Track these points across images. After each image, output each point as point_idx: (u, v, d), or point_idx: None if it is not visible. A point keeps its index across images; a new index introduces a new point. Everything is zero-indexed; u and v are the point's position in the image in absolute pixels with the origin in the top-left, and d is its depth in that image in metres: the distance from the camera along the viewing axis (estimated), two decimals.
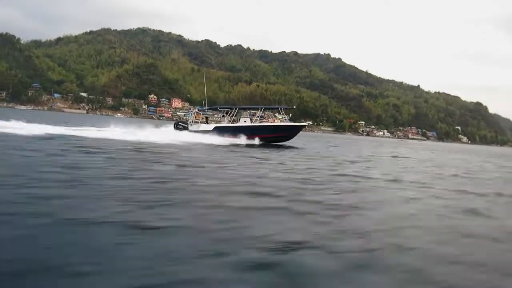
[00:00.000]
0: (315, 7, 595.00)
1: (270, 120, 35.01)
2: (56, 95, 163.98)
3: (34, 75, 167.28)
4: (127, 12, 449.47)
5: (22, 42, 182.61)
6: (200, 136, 27.05)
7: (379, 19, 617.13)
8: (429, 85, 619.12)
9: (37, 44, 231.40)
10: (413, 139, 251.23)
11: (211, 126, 30.57)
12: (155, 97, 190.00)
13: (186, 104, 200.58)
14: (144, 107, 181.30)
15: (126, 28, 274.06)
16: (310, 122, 44.98)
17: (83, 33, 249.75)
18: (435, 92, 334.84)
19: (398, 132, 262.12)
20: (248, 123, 31.12)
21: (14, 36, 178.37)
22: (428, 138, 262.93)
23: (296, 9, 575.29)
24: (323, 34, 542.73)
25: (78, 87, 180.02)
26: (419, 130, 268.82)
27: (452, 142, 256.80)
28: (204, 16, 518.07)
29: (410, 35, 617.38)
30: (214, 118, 38.57)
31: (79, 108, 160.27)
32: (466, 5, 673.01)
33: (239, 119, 31.57)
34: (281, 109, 35.32)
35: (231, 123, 31.04)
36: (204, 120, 32.76)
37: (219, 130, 29.52)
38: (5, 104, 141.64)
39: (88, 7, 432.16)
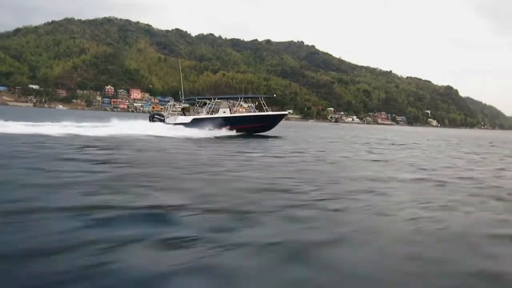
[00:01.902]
0: None
1: (238, 110, 32.67)
2: (2, 87, 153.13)
3: None
4: (94, 1, 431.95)
5: None
6: (178, 129, 25.35)
7: (353, 6, 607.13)
8: (402, 71, 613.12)
9: None
10: (382, 124, 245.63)
11: (189, 118, 28.32)
12: (112, 88, 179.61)
13: (146, 95, 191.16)
14: (98, 98, 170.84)
15: (91, 18, 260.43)
16: (291, 111, 40.02)
17: (44, 24, 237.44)
18: (407, 77, 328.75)
19: (368, 118, 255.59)
20: (228, 114, 29.23)
21: None
22: (397, 122, 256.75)
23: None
24: (297, 22, 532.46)
25: (30, 79, 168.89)
26: (389, 115, 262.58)
27: (422, 126, 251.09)
28: (176, 5, 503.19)
29: (384, 21, 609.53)
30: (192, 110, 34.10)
31: (26, 101, 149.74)
32: None
33: (218, 109, 29.55)
34: (261, 98, 32.54)
35: (210, 114, 29.05)
36: (182, 112, 30.76)
37: (198, 122, 27.44)
38: None
39: None
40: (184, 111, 30.81)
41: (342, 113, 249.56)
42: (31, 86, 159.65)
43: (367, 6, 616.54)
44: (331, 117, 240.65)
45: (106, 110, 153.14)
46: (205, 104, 30.42)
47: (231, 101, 33.65)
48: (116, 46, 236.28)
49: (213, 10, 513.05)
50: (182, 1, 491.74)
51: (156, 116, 30.29)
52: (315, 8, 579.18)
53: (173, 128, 25.78)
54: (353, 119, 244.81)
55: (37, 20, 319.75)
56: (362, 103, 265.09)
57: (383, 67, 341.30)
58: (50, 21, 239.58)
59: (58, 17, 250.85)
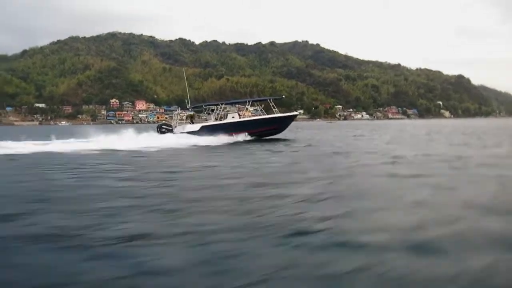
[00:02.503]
0: None
1: (245, 114, 32.05)
2: (8, 108, 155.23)
3: None
4: (99, 18, 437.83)
5: None
6: (187, 137, 24.83)
7: (356, 0, 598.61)
8: (411, 62, 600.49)
9: (2, 58, 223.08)
10: (393, 118, 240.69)
11: (197, 126, 27.77)
12: (117, 101, 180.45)
13: (152, 105, 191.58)
14: (103, 112, 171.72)
15: (95, 34, 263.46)
16: (302, 111, 38.72)
17: (49, 44, 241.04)
18: (417, 69, 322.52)
19: (378, 113, 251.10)
20: (237, 119, 28.55)
21: None
22: (408, 116, 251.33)
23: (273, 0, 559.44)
24: (300, 22, 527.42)
25: (36, 98, 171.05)
26: (399, 109, 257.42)
27: (434, 118, 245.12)
28: (179, 15, 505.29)
29: (389, 13, 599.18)
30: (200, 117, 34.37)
31: (32, 120, 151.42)
32: None
33: (226, 115, 28.89)
34: (270, 100, 31.29)
35: (219, 120, 28.40)
36: (189, 120, 29.85)
37: (207, 129, 26.89)
38: None
39: (60, 17, 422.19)
40: (190, 119, 30.06)
41: (351, 110, 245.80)
42: (37, 105, 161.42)
43: (371, 0, 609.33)
44: (339, 115, 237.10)
45: (111, 123, 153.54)
46: (212, 110, 29.65)
47: (238, 105, 33.02)
48: (120, 60, 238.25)
49: (215, 17, 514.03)
50: (185, 11, 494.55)
51: (164, 126, 29.34)
52: (318, 6, 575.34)
53: (183, 137, 25.27)
54: (362, 116, 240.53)
55: (44, 40, 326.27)
56: (371, 99, 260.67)
57: (391, 61, 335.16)
58: (56, 40, 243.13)
59: (63, 36, 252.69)
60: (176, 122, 29.56)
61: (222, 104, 29.93)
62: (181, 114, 31.49)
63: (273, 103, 30.30)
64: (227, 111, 29.45)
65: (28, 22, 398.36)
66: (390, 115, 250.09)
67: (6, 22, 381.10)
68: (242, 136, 26.85)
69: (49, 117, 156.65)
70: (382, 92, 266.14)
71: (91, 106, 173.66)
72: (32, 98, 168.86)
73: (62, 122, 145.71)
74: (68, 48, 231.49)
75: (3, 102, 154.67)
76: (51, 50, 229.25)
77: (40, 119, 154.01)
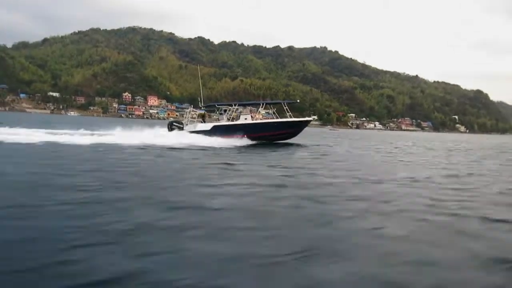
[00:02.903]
0: (313, 1, 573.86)
1: (257, 116, 30.73)
2: (22, 95, 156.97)
3: (4, 75, 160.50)
4: (122, 12, 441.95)
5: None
6: (197, 137, 24.01)
7: (377, 10, 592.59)
8: (429, 75, 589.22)
9: (23, 45, 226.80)
10: (406, 130, 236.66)
11: (209, 125, 26.80)
12: (129, 95, 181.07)
13: (163, 102, 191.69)
14: (114, 105, 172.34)
15: (116, 27, 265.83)
16: (316, 117, 37.38)
17: (71, 33, 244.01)
18: (434, 82, 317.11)
19: (391, 124, 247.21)
20: (249, 121, 27.59)
21: None
22: (423, 128, 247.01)
23: (295, 4, 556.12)
24: (320, 28, 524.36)
25: (52, 86, 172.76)
26: (414, 120, 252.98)
27: (449, 131, 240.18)
28: (202, 14, 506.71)
29: (409, 24, 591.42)
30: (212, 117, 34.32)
31: (44, 108, 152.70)
32: None
33: (239, 116, 28.07)
34: (284, 103, 30.32)
35: (231, 121, 27.56)
36: (201, 119, 29.01)
37: (218, 130, 25.97)
38: None
39: (85, 8, 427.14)
40: (202, 118, 29.25)
41: (364, 119, 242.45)
42: (51, 93, 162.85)
43: (394, 10, 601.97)
44: (351, 123, 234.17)
45: (121, 116, 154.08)
46: (225, 110, 29.01)
47: (251, 107, 32.39)
48: (138, 54, 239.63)
49: (237, 18, 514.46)
50: (208, 11, 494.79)
51: (174, 123, 28.40)
52: (339, 13, 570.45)
53: (193, 136, 24.41)
54: (375, 125, 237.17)
55: (67, 30, 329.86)
56: (386, 109, 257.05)
57: (410, 72, 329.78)
58: (77, 31, 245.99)
59: (85, 27, 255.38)
60: (188, 120, 28.87)
61: (235, 104, 29.06)
62: (193, 112, 30.87)
63: (287, 107, 29.59)
64: (240, 112, 28.70)
65: (54, 11, 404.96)
66: (403, 127, 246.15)
67: (33, 10, 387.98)
68: (253, 140, 25.94)
69: (60, 107, 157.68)
70: (397, 103, 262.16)
71: (103, 99, 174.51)
72: (47, 86, 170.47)
73: (71, 113, 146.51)
74: (88, 39, 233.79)
75: (17, 89, 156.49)
76: (71, 40, 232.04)
77: (52, 108, 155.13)
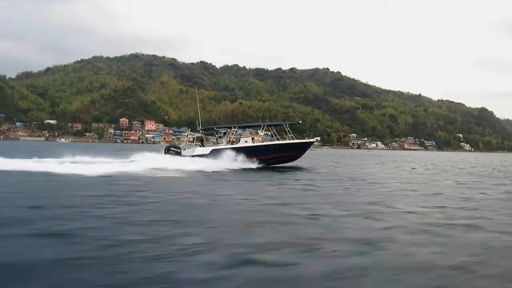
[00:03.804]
0: (315, 23, 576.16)
1: (256, 138, 29.73)
2: (18, 123, 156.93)
3: (3, 105, 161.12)
4: (126, 40, 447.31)
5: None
6: (196, 161, 23.11)
7: (381, 30, 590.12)
8: (433, 93, 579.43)
9: (27, 75, 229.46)
10: (409, 149, 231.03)
11: (207, 149, 25.95)
12: (126, 120, 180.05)
13: (161, 126, 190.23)
14: (110, 131, 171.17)
15: (119, 55, 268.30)
16: (319, 138, 35.33)
17: (74, 62, 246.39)
18: (438, 100, 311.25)
19: (394, 143, 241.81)
20: (250, 143, 26.79)
21: None
22: (426, 147, 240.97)
23: (298, 27, 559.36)
24: (323, 50, 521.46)
25: (50, 114, 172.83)
26: (417, 140, 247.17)
27: (453, 150, 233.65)
28: (204, 39, 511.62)
29: (413, 44, 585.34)
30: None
31: (39, 136, 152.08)
32: (468, 11, 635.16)
33: (239, 139, 27.19)
34: (285, 125, 29.93)
35: (231, 144, 26.65)
36: (199, 143, 28.30)
37: (218, 153, 24.95)
38: None
39: (90, 37, 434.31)
40: (200, 142, 28.50)
41: (366, 139, 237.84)
42: (47, 121, 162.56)
43: (397, 31, 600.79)
44: (352, 143, 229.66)
45: (116, 142, 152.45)
46: (224, 133, 27.98)
47: (252, 129, 31.23)
48: (140, 80, 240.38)
49: (241, 42, 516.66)
50: (211, 36, 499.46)
51: (172, 148, 27.02)
52: (342, 34, 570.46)
53: (191, 160, 23.42)
54: (377, 145, 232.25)
55: (71, 59, 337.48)
56: (388, 129, 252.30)
57: (413, 91, 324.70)
58: (80, 59, 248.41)
59: (89, 56, 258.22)
60: (185, 144, 27.82)
61: (235, 127, 28.12)
62: (190, 136, 29.92)
63: (288, 128, 28.89)
64: (240, 135, 27.68)
65: (59, 42, 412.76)
66: (406, 146, 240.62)
67: (39, 41, 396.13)
68: (255, 162, 24.95)
69: (56, 134, 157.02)
70: (400, 122, 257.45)
71: (100, 124, 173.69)
72: (46, 114, 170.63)
73: (62, 139, 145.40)
74: (91, 67, 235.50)
75: (14, 117, 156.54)
76: (74, 68, 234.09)
77: (47, 135, 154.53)
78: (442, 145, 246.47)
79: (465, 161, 53.33)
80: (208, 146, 27.55)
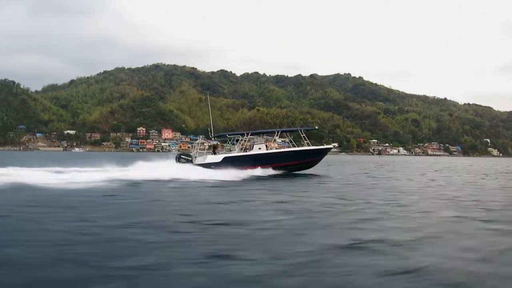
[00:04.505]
0: (336, 28, 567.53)
1: (272, 145, 29.13)
2: (38, 134, 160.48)
3: (25, 117, 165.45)
4: (149, 51, 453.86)
5: (22, 87, 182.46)
6: (207, 170, 22.29)
7: (403, 34, 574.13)
8: (459, 97, 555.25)
9: (52, 87, 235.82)
10: (433, 155, 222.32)
11: (219, 157, 25.08)
12: (143, 129, 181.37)
13: (178, 134, 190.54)
14: (127, 140, 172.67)
15: (141, 65, 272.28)
16: (336, 144, 37.79)
17: (97, 74, 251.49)
18: (464, 104, 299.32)
19: (416, 149, 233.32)
20: (264, 150, 25.88)
21: (13, 82, 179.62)
22: (451, 153, 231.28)
23: (319, 33, 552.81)
24: (344, 55, 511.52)
25: (71, 125, 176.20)
26: (441, 145, 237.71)
27: (480, 156, 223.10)
28: (225, 47, 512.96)
29: (438, 47, 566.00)
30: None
31: (58, 146, 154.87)
32: (496, 12, 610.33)
33: (253, 146, 26.31)
34: (301, 131, 28.60)
35: (244, 151, 25.89)
36: (211, 150, 27.59)
37: (230, 161, 24.12)
38: None
39: (116, 49, 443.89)
40: (213, 150, 27.71)
41: (387, 144, 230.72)
42: (67, 131, 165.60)
43: (420, 35, 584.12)
44: (373, 149, 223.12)
45: (132, 151, 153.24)
46: (237, 140, 27.10)
47: (266, 136, 30.47)
48: (160, 90, 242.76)
49: (262, 49, 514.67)
50: (232, 44, 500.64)
51: (182, 156, 26.18)
52: (363, 38, 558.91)
53: (202, 169, 22.61)
54: (398, 151, 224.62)
55: (95, 71, 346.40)
56: (411, 134, 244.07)
57: (439, 95, 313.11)
58: (102, 71, 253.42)
59: (112, 67, 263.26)
60: (197, 152, 26.61)
61: (247, 134, 27.06)
62: (203, 144, 29.09)
63: (304, 135, 27.59)
64: (254, 141, 26.86)
65: (86, 54, 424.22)
66: (430, 152, 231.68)
67: (66, 54, 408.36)
68: (269, 170, 24.27)
69: (74, 144, 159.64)
70: (423, 127, 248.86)
71: (118, 134, 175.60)
72: (66, 125, 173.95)
73: (76, 149, 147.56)
74: (112, 78, 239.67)
75: (34, 129, 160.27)
76: (96, 80, 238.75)
77: (65, 145, 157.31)
78: (468, 150, 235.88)
79: None
80: (221, 153, 26.58)
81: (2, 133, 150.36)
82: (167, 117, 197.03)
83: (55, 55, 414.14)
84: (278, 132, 29.02)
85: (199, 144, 28.26)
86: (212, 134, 28.53)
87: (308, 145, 27.42)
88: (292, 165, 25.92)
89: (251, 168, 23.81)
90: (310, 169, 27.66)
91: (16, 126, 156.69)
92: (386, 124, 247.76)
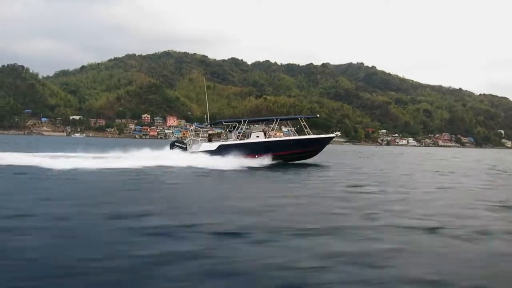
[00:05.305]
0: (349, 17, 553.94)
1: (276, 135, 29.09)
2: (44, 119, 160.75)
3: (32, 101, 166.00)
4: (161, 38, 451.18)
5: (31, 71, 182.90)
6: (201, 158, 21.27)
7: (419, 23, 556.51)
8: (475, 88, 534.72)
9: (63, 73, 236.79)
10: (444, 146, 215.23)
11: (215, 145, 24.18)
12: (148, 116, 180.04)
13: (183, 122, 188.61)
14: (131, 126, 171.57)
15: (151, 52, 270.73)
16: (338, 133, 33.40)
17: (107, 60, 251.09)
18: (480, 94, 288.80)
19: (427, 140, 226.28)
20: (262, 139, 24.90)
21: (22, 67, 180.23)
22: (463, 144, 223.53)
23: (333, 22, 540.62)
24: (356, 44, 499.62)
25: (77, 110, 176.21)
26: (453, 136, 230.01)
27: (493, 147, 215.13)
28: (237, 35, 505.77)
29: (454, 35, 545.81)
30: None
31: (62, 131, 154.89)
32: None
33: (250, 134, 25.33)
34: (301, 119, 27.40)
35: (241, 139, 24.82)
36: (207, 138, 26.46)
37: (225, 149, 23.15)
38: None
39: (129, 35, 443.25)
40: (209, 137, 26.51)
41: (396, 135, 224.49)
42: (72, 117, 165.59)
43: (436, 23, 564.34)
44: (382, 140, 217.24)
45: (135, 137, 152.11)
46: (235, 127, 25.98)
47: (265, 124, 29.19)
48: (170, 77, 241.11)
49: (273, 38, 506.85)
50: (244, 32, 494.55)
51: (176, 143, 25.60)
52: (378, 27, 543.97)
53: (195, 157, 21.60)
54: (408, 142, 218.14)
55: (109, 56, 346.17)
56: (422, 124, 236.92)
57: (454, 85, 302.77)
58: (113, 57, 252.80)
59: (123, 54, 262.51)
60: (190, 140, 25.56)
61: (245, 121, 26.08)
62: (198, 131, 27.70)
63: (304, 123, 26.37)
64: (251, 129, 25.67)
65: (99, 41, 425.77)
66: (440, 142, 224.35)
67: (79, 40, 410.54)
68: (267, 159, 22.96)
69: (78, 129, 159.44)
70: (435, 118, 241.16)
71: (123, 120, 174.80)
72: (73, 110, 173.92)
73: (76, 134, 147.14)
74: (123, 65, 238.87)
75: (39, 113, 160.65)
76: (106, 66, 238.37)
77: (69, 130, 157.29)
78: (481, 141, 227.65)
79: None
80: (215, 141, 25.21)
81: (8, 117, 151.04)
82: (172, 104, 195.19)
83: (69, 41, 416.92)
84: (277, 120, 27.44)
85: (193, 131, 27.43)
86: (208, 121, 27.88)
87: (308, 133, 26.04)
88: (291, 154, 24.89)
89: (248, 156, 22.35)
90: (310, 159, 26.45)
91: (22, 111, 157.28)
92: (397, 114, 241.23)
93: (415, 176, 19.39)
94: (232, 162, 20.49)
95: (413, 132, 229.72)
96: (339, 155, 38.29)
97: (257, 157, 22.88)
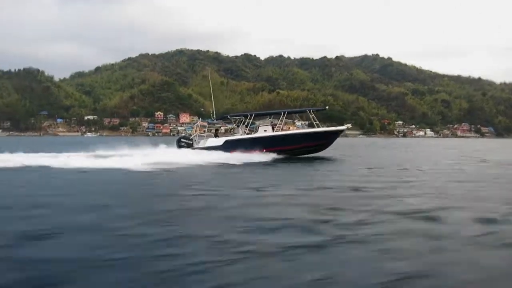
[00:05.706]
0: (364, 8, 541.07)
1: (289, 128, 28.44)
2: (59, 120, 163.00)
3: (47, 103, 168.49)
4: (174, 37, 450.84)
5: (46, 74, 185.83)
6: (207, 154, 20.93)
7: (435, 10, 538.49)
8: (497, 76, 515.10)
9: (79, 74, 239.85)
10: (462, 136, 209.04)
11: (221, 140, 23.79)
12: (161, 114, 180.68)
13: (195, 118, 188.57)
14: (144, 124, 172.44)
15: (164, 51, 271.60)
16: (350, 125, 35.17)
17: (121, 60, 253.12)
18: (501, 83, 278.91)
19: (445, 131, 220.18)
20: (270, 133, 24.27)
21: (38, 70, 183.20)
22: (483, 134, 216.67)
23: (347, 13, 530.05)
24: (373, 35, 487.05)
25: (92, 110, 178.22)
26: (472, 126, 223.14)
27: None
28: (249, 30, 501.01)
29: (473, 23, 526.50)
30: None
31: (77, 131, 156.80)
32: None
33: (258, 128, 25.03)
34: (309, 111, 26.92)
35: (248, 134, 24.50)
36: (213, 133, 25.90)
37: (232, 145, 22.87)
38: (9, 133, 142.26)
39: (142, 36, 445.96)
40: (216, 132, 26.09)
41: (413, 126, 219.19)
42: (87, 117, 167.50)
43: (455, 13, 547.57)
44: (398, 131, 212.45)
45: (148, 135, 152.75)
46: (242, 122, 25.50)
47: (273, 117, 28.28)
48: (184, 75, 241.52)
49: (287, 33, 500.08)
50: (256, 27, 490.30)
51: (183, 140, 25.09)
52: (395, 18, 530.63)
53: (202, 153, 21.33)
54: (425, 133, 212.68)
55: (123, 57, 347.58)
56: (440, 115, 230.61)
57: (474, 74, 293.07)
58: (127, 58, 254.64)
59: (136, 54, 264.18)
60: (196, 136, 25.15)
61: (251, 115, 25.46)
62: (203, 126, 27.28)
63: (313, 115, 25.93)
64: (259, 123, 25.34)
65: (115, 42, 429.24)
66: (459, 133, 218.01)
67: (95, 41, 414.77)
68: (275, 153, 22.61)
69: (92, 129, 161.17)
70: (454, 108, 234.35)
71: (137, 119, 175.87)
72: (87, 110, 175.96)
73: (88, 134, 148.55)
74: (136, 65, 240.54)
75: (55, 114, 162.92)
76: (120, 66, 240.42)
77: (84, 130, 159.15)
78: (502, 131, 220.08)
79: None
80: (222, 136, 25.00)
81: (24, 120, 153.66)
82: (185, 101, 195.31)
83: (85, 43, 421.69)
84: (284, 113, 26.46)
85: (198, 127, 26.80)
86: (214, 116, 27.36)
87: (318, 126, 25.49)
88: (301, 148, 24.25)
89: (255, 151, 21.93)
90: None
91: (37, 113, 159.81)
92: (414, 105, 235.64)
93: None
94: (240, 157, 19.88)
95: (430, 123, 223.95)
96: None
97: (265, 151, 22.36)
